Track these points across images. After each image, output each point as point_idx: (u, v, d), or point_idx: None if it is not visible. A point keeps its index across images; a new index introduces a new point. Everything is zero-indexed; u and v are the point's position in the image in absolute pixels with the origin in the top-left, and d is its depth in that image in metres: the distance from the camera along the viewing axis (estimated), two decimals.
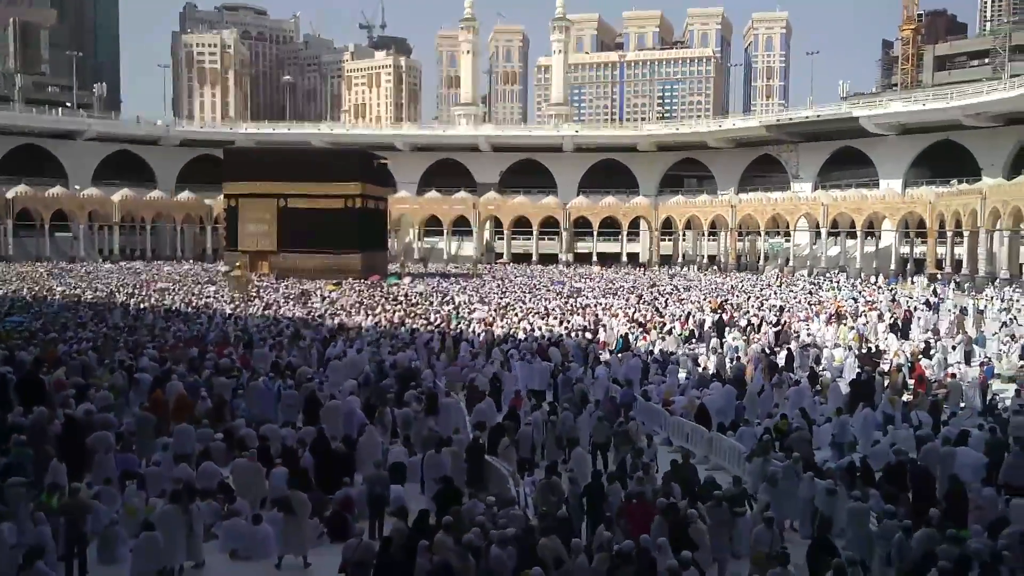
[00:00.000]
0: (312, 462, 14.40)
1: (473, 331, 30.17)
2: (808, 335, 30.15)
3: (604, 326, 32.27)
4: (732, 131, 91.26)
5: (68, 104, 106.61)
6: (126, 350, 23.80)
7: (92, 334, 27.40)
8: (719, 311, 36.65)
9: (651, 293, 48.84)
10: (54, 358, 21.62)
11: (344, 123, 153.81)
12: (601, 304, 41.17)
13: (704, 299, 43.13)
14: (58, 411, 16.08)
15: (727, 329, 31.34)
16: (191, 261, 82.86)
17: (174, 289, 47.83)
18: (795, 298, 45.10)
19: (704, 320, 34.06)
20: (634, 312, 37.04)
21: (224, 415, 17.55)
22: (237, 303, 40.25)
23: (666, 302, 42.57)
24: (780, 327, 31.35)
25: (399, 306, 38.84)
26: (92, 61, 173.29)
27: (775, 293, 48.82)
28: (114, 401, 17.65)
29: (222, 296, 43.90)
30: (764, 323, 33.07)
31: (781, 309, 38.33)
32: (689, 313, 36.36)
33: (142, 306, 38.09)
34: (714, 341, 28.83)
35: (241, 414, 17.77)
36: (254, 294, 45.03)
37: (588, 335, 30.08)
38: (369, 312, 36.14)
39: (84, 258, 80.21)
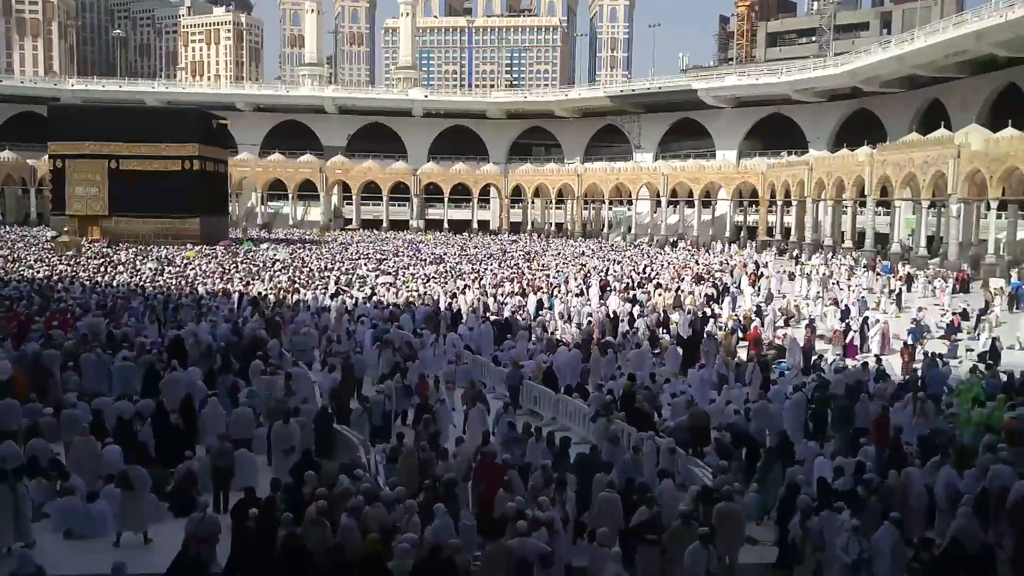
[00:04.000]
0: (151, 435, 13.93)
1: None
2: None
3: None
4: (578, 101, 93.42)
5: None
6: None
7: None
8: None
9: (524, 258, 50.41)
10: None
11: (181, 81, 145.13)
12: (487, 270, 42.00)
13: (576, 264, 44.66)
14: None
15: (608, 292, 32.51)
16: (12, 226, 76.25)
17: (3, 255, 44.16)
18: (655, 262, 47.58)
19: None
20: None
21: (53, 389, 16.57)
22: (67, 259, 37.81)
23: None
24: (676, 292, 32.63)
25: (277, 274, 38.02)
26: None
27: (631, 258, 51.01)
28: None
29: (50, 263, 40.93)
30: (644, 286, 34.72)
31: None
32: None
33: None
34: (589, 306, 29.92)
35: (72, 387, 16.83)
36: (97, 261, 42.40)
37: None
38: (251, 281, 34.94)
39: None
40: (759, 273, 39.61)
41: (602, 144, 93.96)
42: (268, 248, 54.70)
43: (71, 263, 40.82)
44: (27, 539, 11.05)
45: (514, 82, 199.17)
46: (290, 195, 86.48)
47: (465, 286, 34.37)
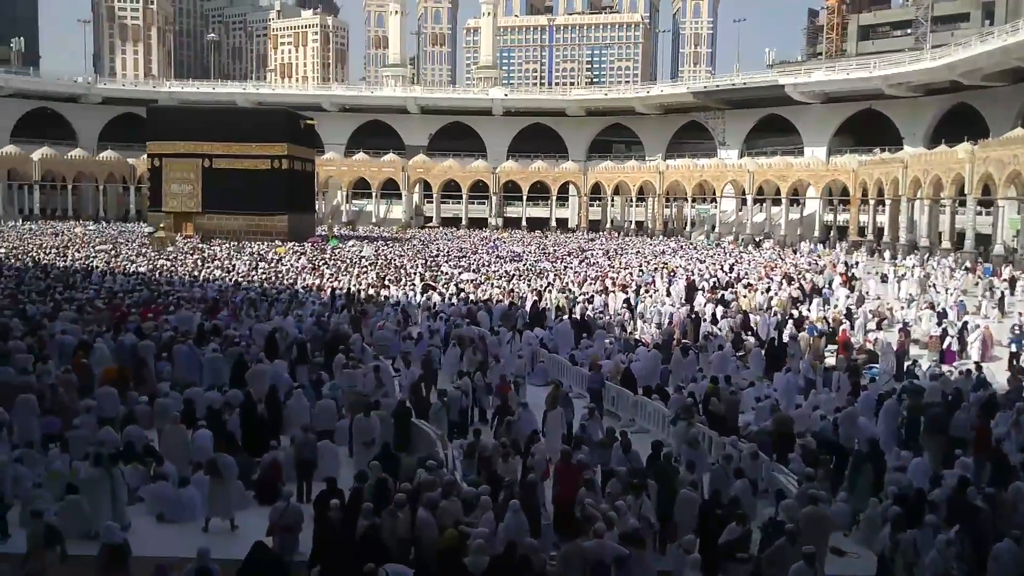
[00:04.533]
0: (239, 425, 14.34)
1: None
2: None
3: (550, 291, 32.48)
4: (660, 97, 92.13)
5: None
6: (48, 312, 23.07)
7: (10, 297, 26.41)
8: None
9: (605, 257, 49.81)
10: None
11: (270, 83, 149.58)
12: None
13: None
14: None
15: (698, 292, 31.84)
16: (112, 222, 79.98)
17: (105, 249, 46.31)
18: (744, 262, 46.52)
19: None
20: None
21: (148, 378, 17.25)
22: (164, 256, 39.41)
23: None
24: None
25: (366, 270, 38.86)
26: (9, 15, 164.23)
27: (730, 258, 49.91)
28: (34, 364, 17.14)
29: (148, 258, 42.76)
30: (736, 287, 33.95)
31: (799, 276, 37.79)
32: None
33: (70, 267, 36.84)
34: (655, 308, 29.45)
35: (165, 377, 17.49)
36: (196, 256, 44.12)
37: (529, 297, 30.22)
38: (341, 276, 35.72)
39: (3, 217, 76.72)
40: (850, 274, 38.28)
41: (685, 141, 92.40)
42: (353, 245, 55.79)
43: (171, 258, 42.50)
44: (123, 521, 11.50)
45: (594, 79, 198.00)
46: (373, 193, 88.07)
47: (548, 284, 34.27)
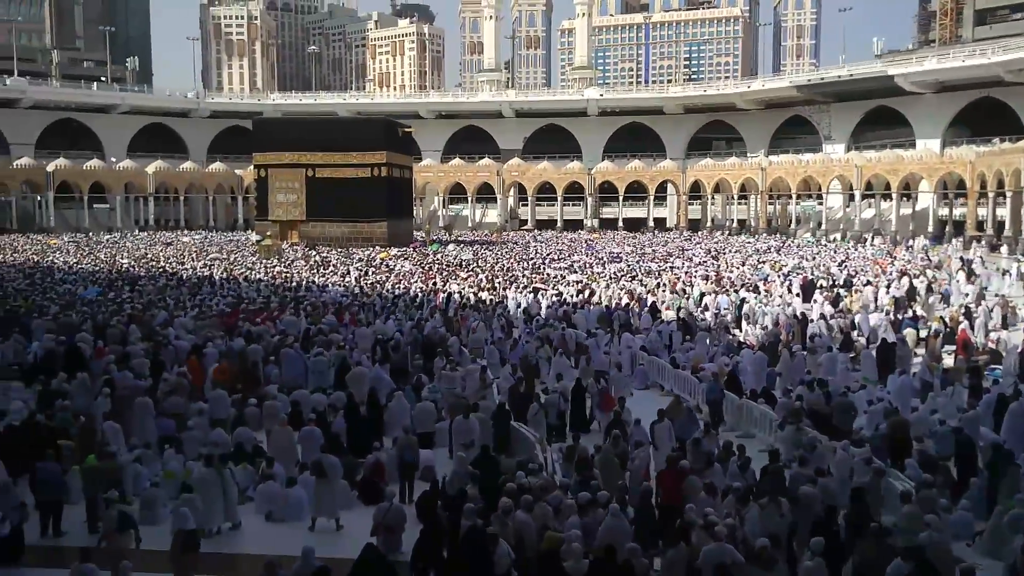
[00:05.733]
0: (343, 427, 14.64)
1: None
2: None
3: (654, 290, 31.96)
4: (761, 92, 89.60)
5: (102, 78, 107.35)
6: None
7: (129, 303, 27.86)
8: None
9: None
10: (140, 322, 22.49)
11: (369, 92, 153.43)
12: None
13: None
14: (99, 379, 16.53)
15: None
16: (221, 231, 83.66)
17: (215, 257, 48.41)
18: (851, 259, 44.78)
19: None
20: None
21: (257, 381, 17.83)
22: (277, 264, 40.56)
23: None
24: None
25: (469, 272, 39.48)
26: (124, 35, 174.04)
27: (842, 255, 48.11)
28: (150, 368, 17.99)
29: (256, 265, 44.40)
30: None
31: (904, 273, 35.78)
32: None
33: (183, 275, 38.62)
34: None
35: (273, 380, 18.04)
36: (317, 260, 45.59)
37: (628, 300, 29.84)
38: (449, 280, 36.31)
39: (121, 228, 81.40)
40: (968, 271, 36.21)
41: (788, 136, 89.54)
42: (453, 249, 56.45)
43: (287, 265, 43.92)
44: (234, 520, 11.92)
45: (692, 76, 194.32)
46: (469, 198, 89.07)
47: (657, 284, 33.76)
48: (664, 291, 31.64)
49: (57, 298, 28.86)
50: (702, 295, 30.44)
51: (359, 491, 12.84)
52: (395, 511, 10.86)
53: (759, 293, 30.71)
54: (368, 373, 17.38)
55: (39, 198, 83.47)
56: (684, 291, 31.69)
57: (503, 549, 9.13)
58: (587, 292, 31.81)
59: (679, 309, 27.72)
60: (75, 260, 47.00)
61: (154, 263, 44.61)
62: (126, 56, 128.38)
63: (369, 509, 11.50)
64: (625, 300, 29.28)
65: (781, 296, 30.05)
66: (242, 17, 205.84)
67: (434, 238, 67.40)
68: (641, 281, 35.13)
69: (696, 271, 39.58)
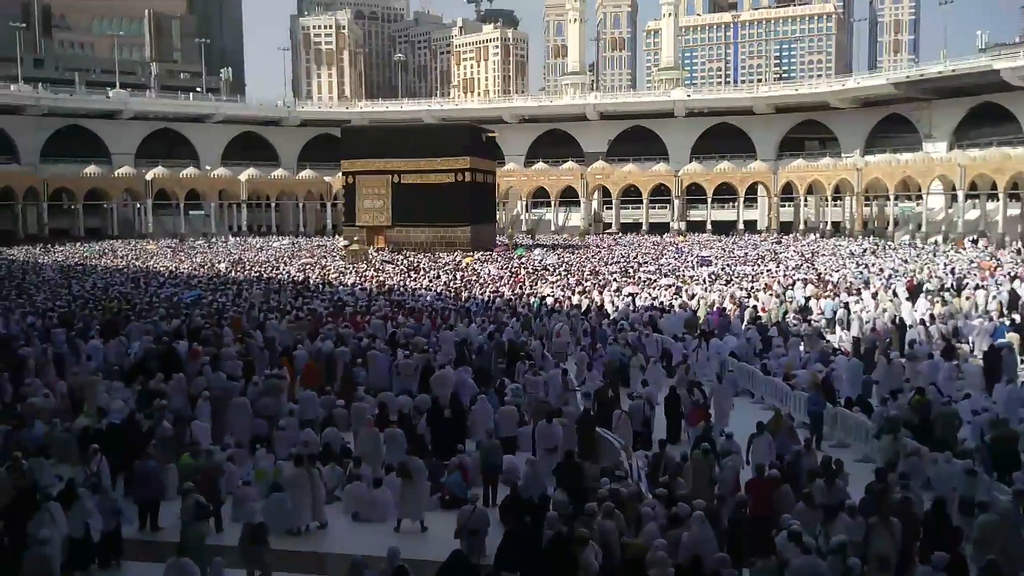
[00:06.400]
0: (427, 429, 14.73)
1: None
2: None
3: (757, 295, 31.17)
4: (857, 90, 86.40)
5: (198, 89, 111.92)
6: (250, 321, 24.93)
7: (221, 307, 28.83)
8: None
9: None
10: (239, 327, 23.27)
11: (453, 98, 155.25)
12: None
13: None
14: (197, 379, 17.13)
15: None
16: (310, 236, 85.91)
17: (307, 262, 49.59)
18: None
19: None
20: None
21: (353, 384, 18.14)
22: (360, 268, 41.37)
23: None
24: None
25: (558, 276, 39.38)
26: (219, 47, 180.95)
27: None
28: (243, 370, 18.52)
29: (343, 269, 45.36)
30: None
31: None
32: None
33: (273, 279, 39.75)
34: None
35: (360, 382, 18.33)
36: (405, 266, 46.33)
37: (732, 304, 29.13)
38: (539, 283, 36.32)
39: (215, 234, 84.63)
40: None
41: (884, 135, 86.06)
42: (538, 253, 56.44)
43: (378, 270, 44.55)
44: (321, 519, 12.12)
45: (783, 75, 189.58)
46: (552, 202, 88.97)
47: (752, 288, 32.93)
48: (767, 295, 30.73)
49: (160, 302, 30.07)
50: (807, 299, 29.48)
51: (443, 494, 12.86)
52: (479, 514, 10.85)
53: (862, 297, 29.52)
54: (452, 376, 17.46)
55: (138, 205, 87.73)
56: (785, 295, 30.74)
57: (590, 555, 9.00)
58: (685, 296, 31.16)
59: (785, 314, 26.91)
60: (173, 265, 48.96)
61: (250, 267, 46.05)
62: (220, 67, 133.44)
63: (453, 512, 11.53)
64: (728, 305, 28.50)
65: (891, 301, 28.70)
66: (331, 27, 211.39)
67: (516, 242, 67.56)
68: (740, 285, 34.23)
69: (792, 274, 38.37)
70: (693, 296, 30.94)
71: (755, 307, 27.93)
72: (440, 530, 11.48)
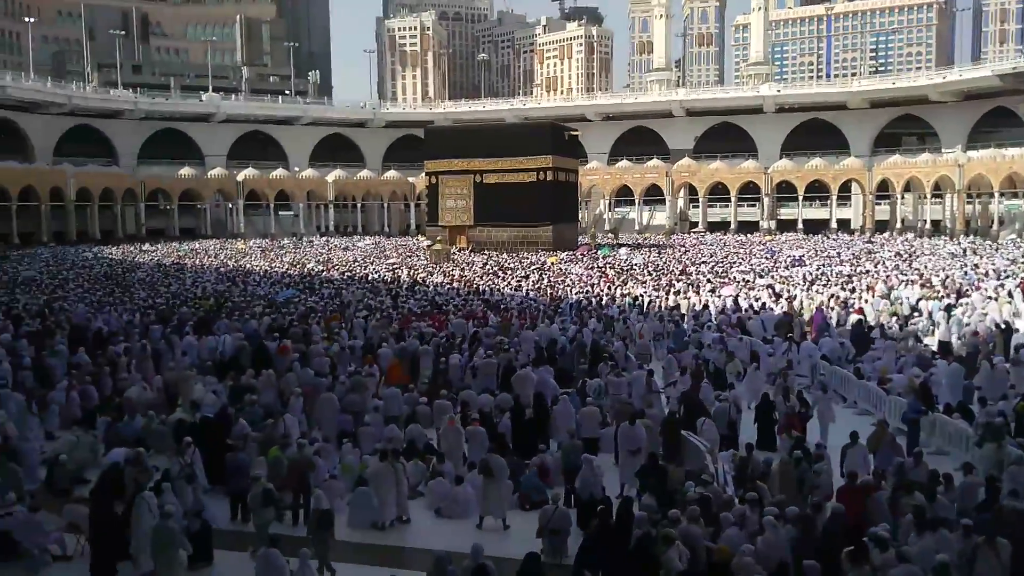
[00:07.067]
0: (509, 428, 14.73)
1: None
2: None
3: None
4: (959, 83, 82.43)
5: (287, 92, 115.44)
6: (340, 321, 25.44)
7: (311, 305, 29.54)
8: None
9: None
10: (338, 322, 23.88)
11: (536, 97, 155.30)
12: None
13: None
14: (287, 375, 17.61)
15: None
16: (394, 236, 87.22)
17: (394, 262, 50.25)
18: None
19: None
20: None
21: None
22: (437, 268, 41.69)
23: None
24: None
25: (649, 276, 38.98)
26: (307, 51, 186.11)
27: None
28: (330, 367, 18.91)
29: (430, 269, 45.61)
30: None
31: None
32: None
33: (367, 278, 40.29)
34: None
35: (442, 381, 18.47)
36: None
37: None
38: (630, 283, 35.79)
39: (304, 234, 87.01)
40: None
41: (989, 129, 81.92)
42: (625, 253, 55.73)
43: (464, 270, 44.68)
44: (405, 514, 12.27)
45: (879, 68, 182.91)
46: (636, 200, 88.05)
47: (854, 290, 31.82)
48: (873, 296, 29.61)
49: (254, 300, 31.00)
50: (918, 301, 28.29)
51: (522, 493, 12.81)
52: (560, 514, 10.81)
53: (971, 299, 28.12)
54: (533, 376, 17.43)
55: (230, 205, 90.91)
56: (890, 297, 29.53)
57: (674, 555, 8.85)
58: (785, 297, 30.30)
59: (894, 315, 25.89)
60: (265, 264, 50.38)
61: (340, 267, 46.93)
62: (308, 70, 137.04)
63: (535, 512, 11.49)
64: (833, 307, 27.51)
65: (1008, 302, 27.18)
66: (415, 28, 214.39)
67: (601, 242, 67.07)
68: (843, 286, 33.03)
69: (898, 275, 36.77)
70: (794, 297, 29.95)
71: (861, 309, 26.89)
72: (522, 529, 11.47)
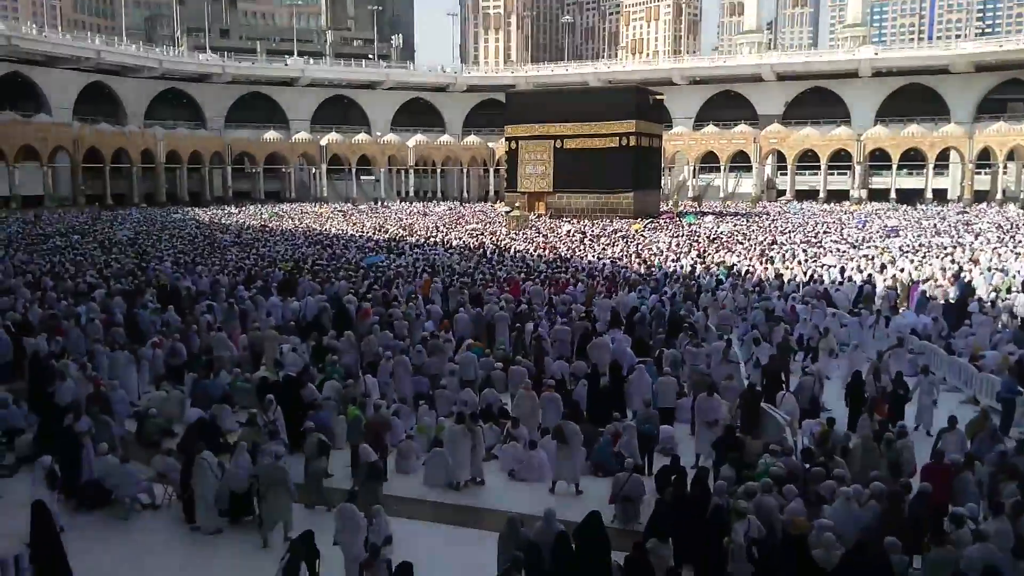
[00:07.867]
0: (584, 395, 14.74)
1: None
2: None
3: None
4: None
5: (370, 56, 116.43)
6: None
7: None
8: None
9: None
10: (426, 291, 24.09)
11: (621, 60, 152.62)
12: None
13: None
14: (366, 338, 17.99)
15: None
16: (471, 203, 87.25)
17: (474, 228, 50.34)
18: None
19: None
20: None
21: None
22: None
23: None
24: None
25: (742, 245, 37.95)
26: (390, 14, 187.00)
27: None
28: (408, 330, 19.23)
29: (512, 236, 45.29)
30: None
31: None
32: None
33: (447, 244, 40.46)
34: None
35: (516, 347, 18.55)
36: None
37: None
38: (722, 252, 35.13)
39: (384, 199, 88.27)
40: None
41: None
42: (712, 221, 54.34)
43: (548, 236, 44.25)
44: (479, 475, 12.45)
45: (986, 30, 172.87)
46: (722, 167, 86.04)
47: (972, 260, 30.43)
48: (979, 269, 28.31)
49: (342, 264, 31.48)
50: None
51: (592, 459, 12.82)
52: (634, 481, 10.80)
53: None
54: (609, 344, 17.34)
55: (313, 170, 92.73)
56: (1001, 270, 28.16)
57: (742, 528, 8.76)
58: (890, 269, 29.07)
59: (1009, 289, 24.72)
60: (348, 228, 51.13)
61: (421, 232, 47.26)
62: (391, 34, 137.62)
63: (607, 479, 11.51)
64: (940, 280, 26.30)
65: None
66: None
67: (684, 209, 65.76)
68: (950, 258, 31.55)
69: (998, 248, 34.92)
70: (902, 270, 28.65)
71: (969, 282, 25.70)
72: (595, 495, 11.53)
